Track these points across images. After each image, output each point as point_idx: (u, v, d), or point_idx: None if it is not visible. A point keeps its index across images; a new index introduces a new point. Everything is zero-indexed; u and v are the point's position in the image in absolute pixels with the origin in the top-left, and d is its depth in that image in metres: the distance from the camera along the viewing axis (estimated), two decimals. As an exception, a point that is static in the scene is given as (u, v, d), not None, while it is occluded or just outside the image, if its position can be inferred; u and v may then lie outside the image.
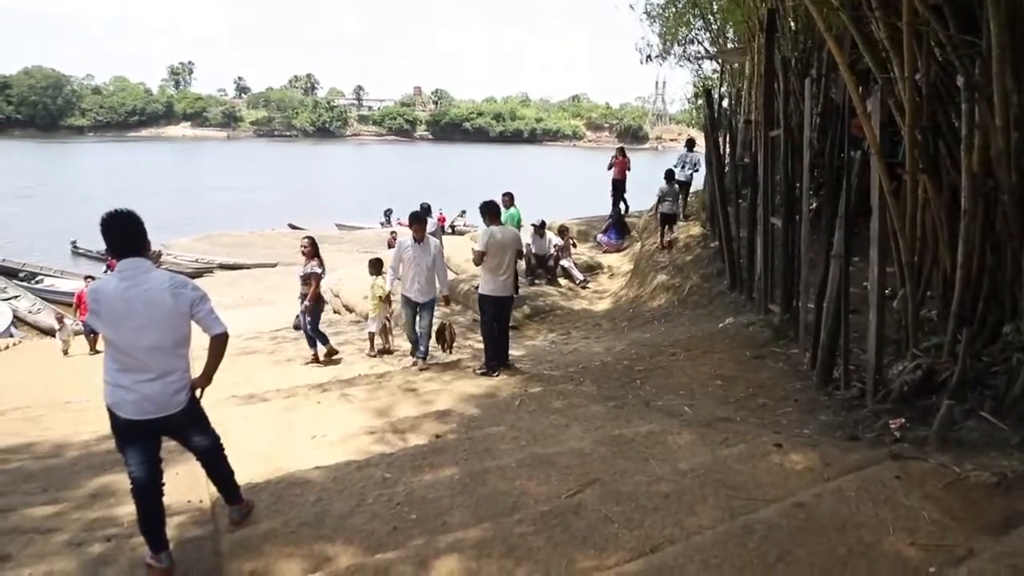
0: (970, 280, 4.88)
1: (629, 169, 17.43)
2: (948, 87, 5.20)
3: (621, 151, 17.55)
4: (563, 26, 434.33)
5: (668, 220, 13.55)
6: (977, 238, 4.80)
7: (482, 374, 7.52)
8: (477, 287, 12.42)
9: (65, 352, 13.59)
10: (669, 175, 14.04)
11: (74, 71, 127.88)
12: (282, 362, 10.37)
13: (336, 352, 10.22)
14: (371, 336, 10.38)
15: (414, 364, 8.43)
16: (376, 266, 10.41)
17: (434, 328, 8.56)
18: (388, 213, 35.02)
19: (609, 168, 17.24)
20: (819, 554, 3.08)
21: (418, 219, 8.19)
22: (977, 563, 2.84)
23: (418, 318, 8.40)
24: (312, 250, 9.62)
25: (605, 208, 18.15)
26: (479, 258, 7.52)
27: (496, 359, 7.64)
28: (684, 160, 15.37)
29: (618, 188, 17.38)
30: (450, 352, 8.81)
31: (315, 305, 9.70)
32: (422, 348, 8.37)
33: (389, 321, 10.68)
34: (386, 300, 9.97)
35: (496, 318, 7.76)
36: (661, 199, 13.68)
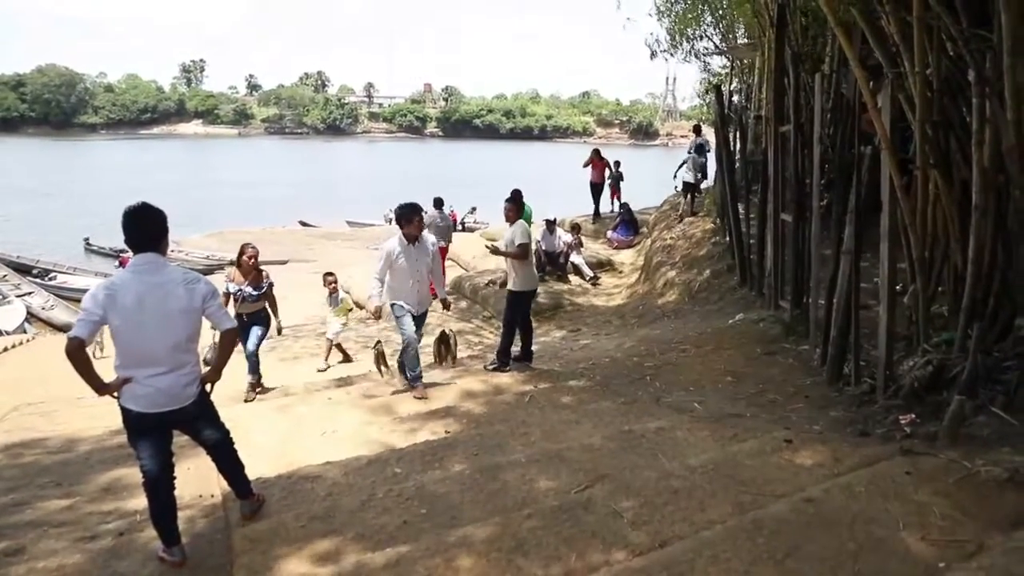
0: (981, 275, 4.85)
1: (610, 170, 17.63)
2: (959, 82, 5.16)
3: (596, 153, 17.52)
4: (573, 22, 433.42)
5: (689, 188, 15.01)
6: (988, 233, 4.77)
7: (494, 369, 7.48)
8: (493, 283, 12.60)
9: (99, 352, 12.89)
10: (699, 148, 15.39)
11: (85, 70, 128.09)
12: (288, 359, 10.42)
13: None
14: (330, 344, 9.77)
15: (412, 391, 6.74)
16: (333, 283, 9.76)
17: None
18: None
19: (585, 166, 17.44)
20: (829, 549, 3.08)
21: (414, 213, 6.58)
22: (988, 558, 2.84)
23: (417, 331, 6.85)
24: (257, 261, 7.85)
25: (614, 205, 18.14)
26: (526, 252, 7.39)
27: (510, 355, 7.61)
28: (696, 144, 15.97)
29: (595, 191, 17.71)
30: (452, 364, 7.73)
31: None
32: (416, 370, 6.75)
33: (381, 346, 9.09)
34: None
35: (527, 312, 7.71)
36: (685, 166, 15.20)
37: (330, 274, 9.96)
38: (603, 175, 17.51)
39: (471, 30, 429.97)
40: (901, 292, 5.89)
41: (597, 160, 17.28)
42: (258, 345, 7.87)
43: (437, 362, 7.93)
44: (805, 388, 6.08)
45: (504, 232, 7.66)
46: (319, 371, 9.44)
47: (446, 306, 7.39)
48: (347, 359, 10.02)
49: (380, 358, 7.53)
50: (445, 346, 7.49)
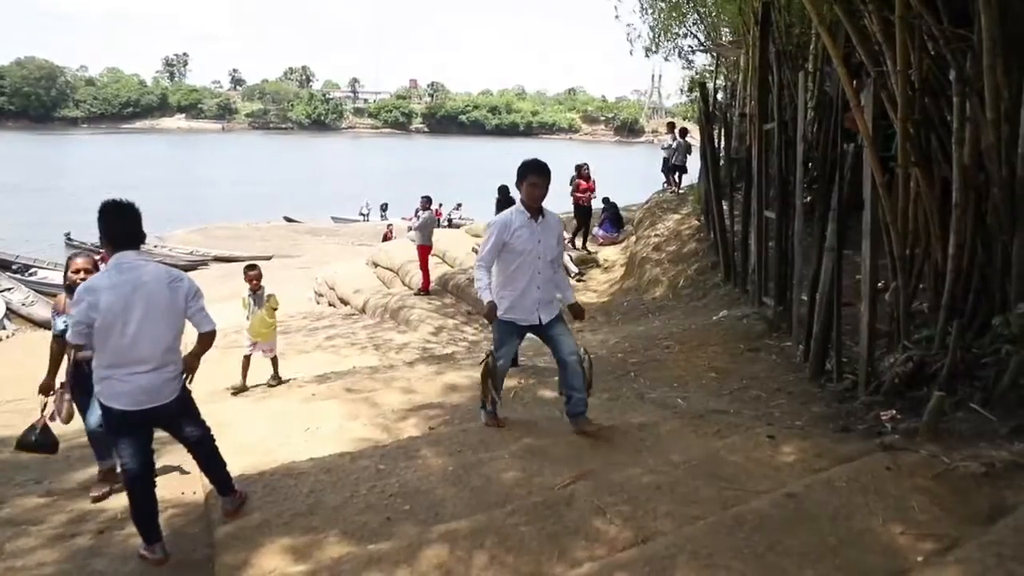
0: (961, 272, 4.90)
1: (594, 191, 15.17)
2: (940, 81, 5.21)
3: (584, 171, 14.84)
4: (560, 18, 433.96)
5: (677, 169, 16.97)
6: (968, 231, 4.81)
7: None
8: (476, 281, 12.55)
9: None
10: (683, 132, 17.05)
11: (67, 63, 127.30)
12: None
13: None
14: (246, 360, 8.00)
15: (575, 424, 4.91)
16: (254, 278, 7.95)
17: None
18: (384, 207, 34.99)
19: (573, 192, 14.84)
20: (810, 544, 3.11)
21: (534, 171, 4.71)
22: (964, 552, 2.87)
23: (556, 341, 4.88)
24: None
25: (599, 202, 18.08)
26: None
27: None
28: (681, 129, 17.60)
29: (583, 216, 15.11)
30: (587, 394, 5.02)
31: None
32: (576, 395, 4.86)
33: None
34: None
35: None
36: (672, 152, 16.94)
37: (252, 267, 8.22)
38: (590, 199, 14.99)
39: (457, 28, 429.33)
40: (883, 289, 5.93)
41: (585, 181, 14.76)
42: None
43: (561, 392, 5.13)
44: (788, 384, 6.12)
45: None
46: (232, 393, 7.72)
47: (578, 315, 5.23)
48: (277, 379, 8.10)
49: (491, 376, 5.04)
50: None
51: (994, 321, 4.61)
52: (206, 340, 3.78)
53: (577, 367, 4.80)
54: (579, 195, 14.88)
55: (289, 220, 34.43)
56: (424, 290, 13.63)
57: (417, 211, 13.88)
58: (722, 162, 12.23)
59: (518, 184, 4.78)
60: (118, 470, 4.44)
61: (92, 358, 4.33)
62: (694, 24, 19.26)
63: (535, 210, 4.75)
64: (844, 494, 3.49)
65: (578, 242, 15.29)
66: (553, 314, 4.88)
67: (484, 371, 5.05)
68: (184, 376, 3.78)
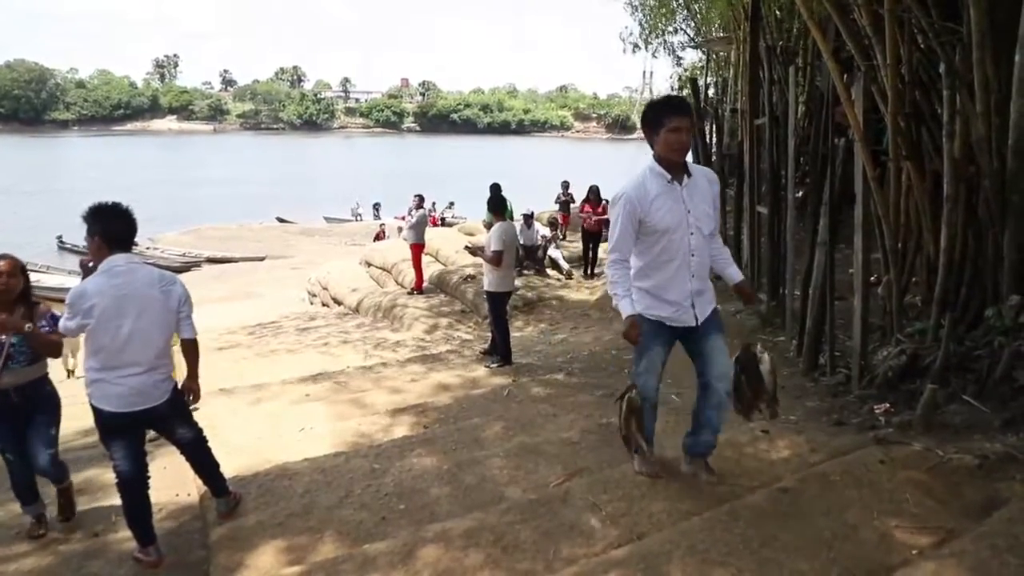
0: (953, 265, 4.91)
1: (606, 213, 12.92)
2: (930, 74, 5.22)
3: (595, 195, 13.16)
4: (550, 16, 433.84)
5: None
6: (959, 223, 4.82)
7: (499, 366, 7.51)
8: (472, 278, 12.59)
9: (70, 372, 9.50)
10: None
11: (59, 65, 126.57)
12: (265, 354, 10.31)
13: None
14: None
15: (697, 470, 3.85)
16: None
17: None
18: (377, 207, 34.91)
19: (581, 211, 13.39)
20: (804, 538, 3.11)
21: (673, 110, 3.37)
22: (958, 544, 2.88)
23: (706, 356, 3.74)
24: (26, 280, 4.02)
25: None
26: (498, 258, 7.41)
27: (510, 349, 7.71)
28: None
29: (592, 242, 13.62)
30: (770, 412, 3.81)
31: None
32: (706, 435, 3.79)
33: None
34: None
35: (503, 312, 7.84)
36: None
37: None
38: (600, 224, 12.97)
39: (449, 27, 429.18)
40: (875, 283, 5.95)
41: (594, 203, 13.14)
42: (53, 450, 4.13)
43: (740, 408, 3.85)
44: (781, 379, 6.10)
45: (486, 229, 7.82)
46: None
47: (749, 298, 4.06)
48: None
49: (635, 417, 3.75)
50: (752, 378, 3.80)
51: (987, 313, 4.62)
52: (190, 349, 3.81)
53: (724, 397, 3.65)
54: (586, 219, 13.36)
55: (282, 221, 34.32)
56: (417, 289, 13.60)
57: (410, 210, 13.85)
58: (713, 158, 12.25)
59: (651, 136, 3.42)
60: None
61: (18, 384, 4.00)
62: (684, 21, 19.29)
63: (678, 167, 3.42)
64: (838, 488, 3.49)
65: (578, 271, 14.00)
66: (709, 310, 3.69)
67: (626, 408, 3.74)
68: (189, 398, 3.79)
